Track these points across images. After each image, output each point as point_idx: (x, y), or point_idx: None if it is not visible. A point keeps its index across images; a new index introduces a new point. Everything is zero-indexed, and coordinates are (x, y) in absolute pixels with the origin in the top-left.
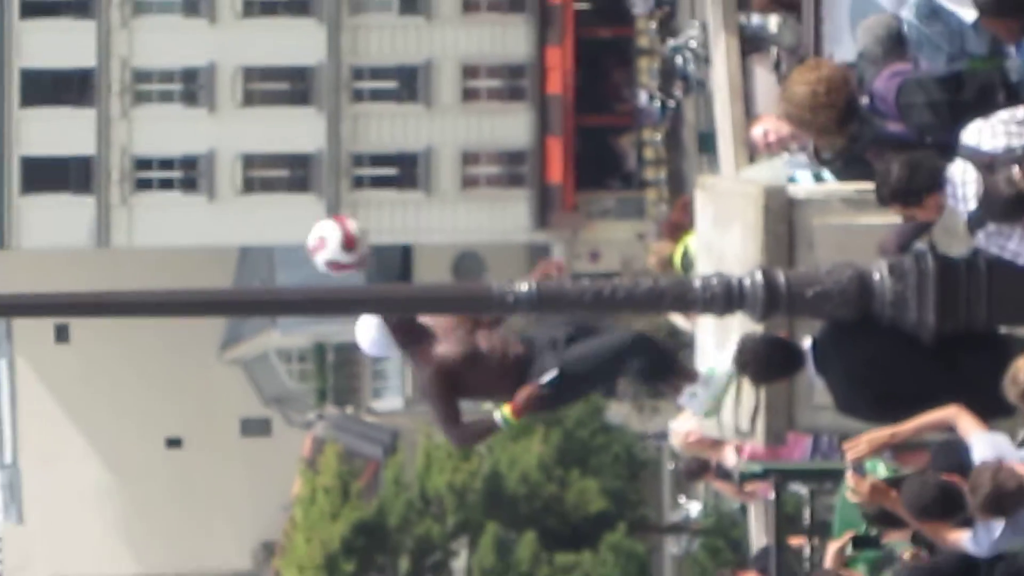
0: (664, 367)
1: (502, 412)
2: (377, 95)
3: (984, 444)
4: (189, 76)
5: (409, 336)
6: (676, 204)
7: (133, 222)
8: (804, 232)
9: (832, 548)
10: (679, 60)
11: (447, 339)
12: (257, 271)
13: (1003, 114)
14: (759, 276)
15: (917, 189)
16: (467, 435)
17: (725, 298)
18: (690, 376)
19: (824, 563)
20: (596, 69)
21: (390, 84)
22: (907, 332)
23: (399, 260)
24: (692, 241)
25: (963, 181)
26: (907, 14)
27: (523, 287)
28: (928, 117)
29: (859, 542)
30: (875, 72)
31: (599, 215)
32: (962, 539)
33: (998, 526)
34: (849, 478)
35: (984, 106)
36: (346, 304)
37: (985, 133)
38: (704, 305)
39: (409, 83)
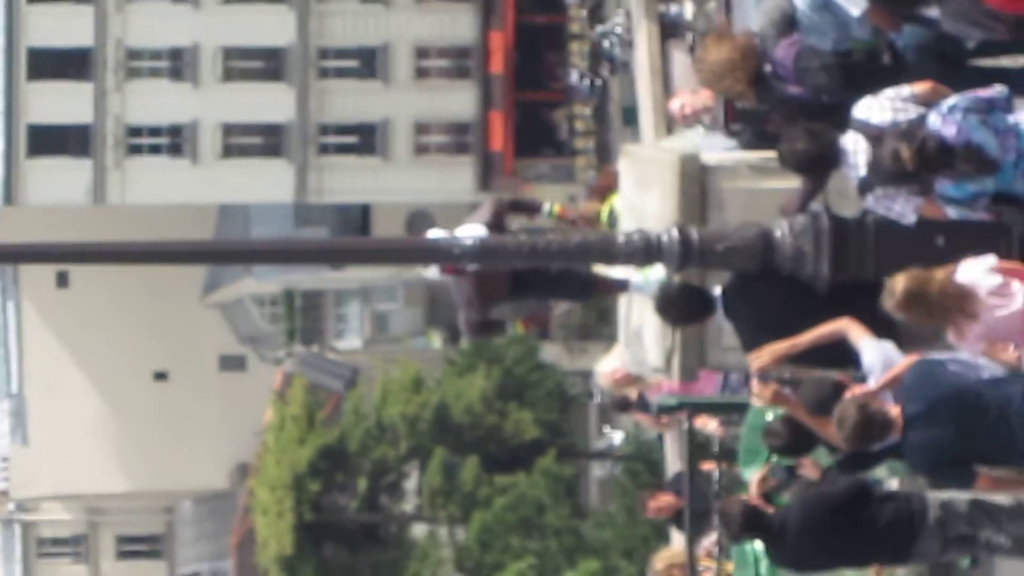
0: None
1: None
2: (340, 72)
3: (872, 349)
4: (175, 54)
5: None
6: (602, 171)
7: (126, 182)
8: (715, 194)
9: (755, 478)
10: (606, 44)
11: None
12: (234, 227)
13: (889, 92)
14: (675, 232)
15: (821, 160)
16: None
17: (645, 251)
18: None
19: (750, 492)
20: (533, 51)
21: (352, 63)
22: (804, 282)
23: (359, 217)
24: (617, 201)
25: (855, 150)
26: (799, 2)
27: (467, 241)
28: (823, 79)
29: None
30: (774, 43)
31: (535, 179)
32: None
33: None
34: (754, 385)
35: (871, 68)
36: (311, 254)
37: (874, 108)
38: (626, 258)
39: (369, 62)
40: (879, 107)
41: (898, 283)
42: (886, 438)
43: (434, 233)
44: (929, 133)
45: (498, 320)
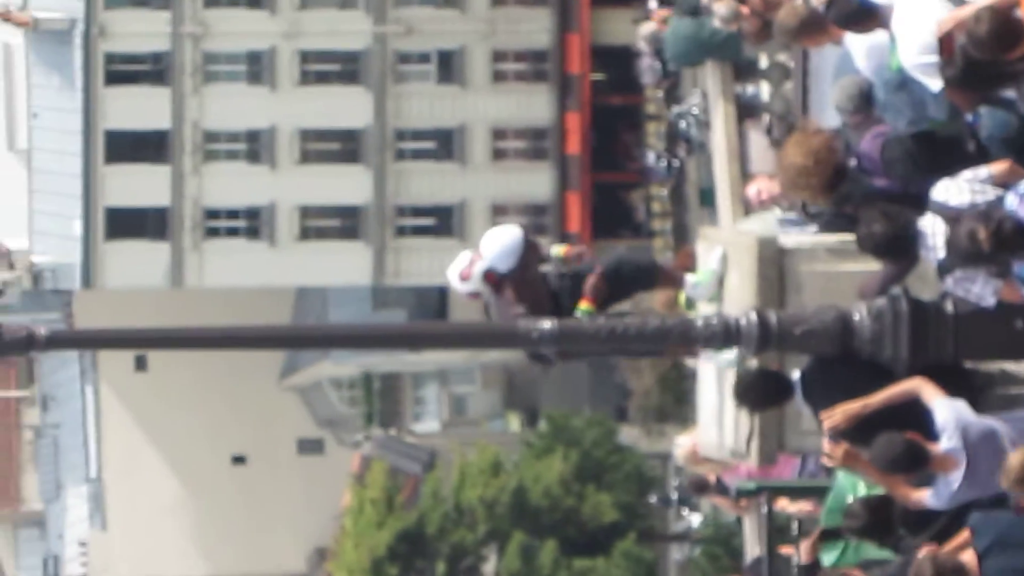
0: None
1: (580, 308)
2: (417, 154)
3: (945, 408)
4: (252, 137)
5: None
6: (680, 252)
7: (203, 265)
8: (793, 277)
9: (805, 543)
10: (682, 124)
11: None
12: (312, 309)
13: (967, 173)
14: (753, 316)
15: (898, 243)
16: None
17: (724, 335)
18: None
19: (800, 557)
20: (609, 132)
21: (429, 144)
22: (883, 366)
23: (436, 299)
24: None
25: (933, 232)
26: (877, 80)
27: (545, 325)
28: (909, 169)
29: (827, 535)
30: (858, 136)
31: None
32: (924, 496)
33: (956, 479)
34: (825, 444)
35: (955, 156)
36: (388, 339)
37: (952, 191)
38: (705, 341)
39: (446, 144)
40: (957, 189)
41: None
42: None
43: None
44: (1006, 214)
45: (546, 355)
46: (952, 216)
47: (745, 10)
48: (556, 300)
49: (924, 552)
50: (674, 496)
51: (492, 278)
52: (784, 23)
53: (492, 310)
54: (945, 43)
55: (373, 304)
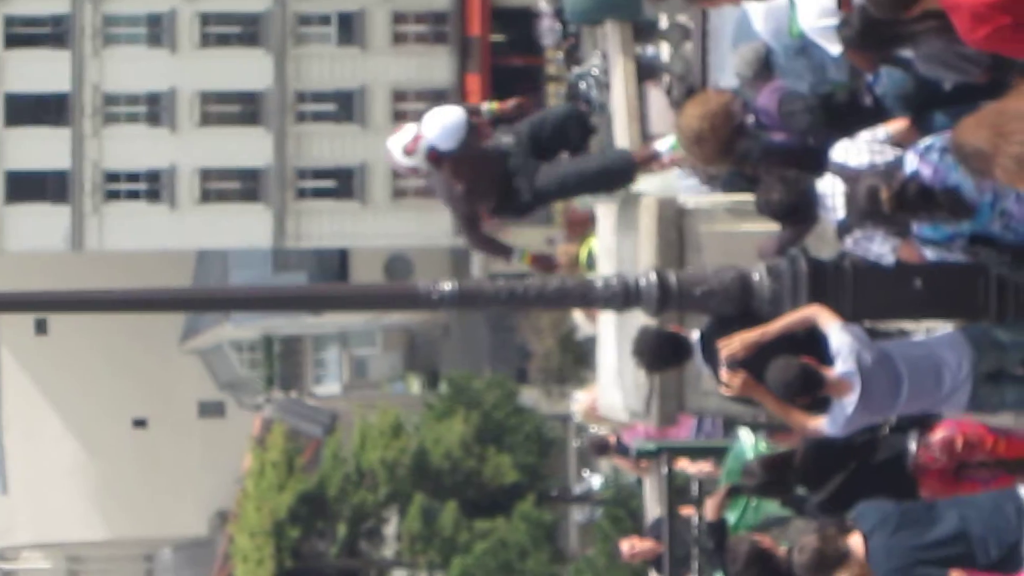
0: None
1: (521, 255)
2: (318, 116)
3: (840, 333)
4: (152, 99)
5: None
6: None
7: (103, 228)
8: (693, 238)
9: (711, 500)
10: (583, 86)
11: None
12: (212, 272)
13: (865, 134)
14: (653, 276)
15: (796, 209)
16: (482, 243)
17: (623, 296)
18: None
19: (707, 514)
20: (509, 93)
21: (329, 107)
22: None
23: (337, 262)
24: (595, 244)
25: (833, 194)
26: (775, 44)
27: (446, 286)
28: (807, 121)
29: (734, 492)
30: (755, 93)
31: (513, 222)
32: (820, 423)
33: (851, 403)
34: (723, 373)
35: (852, 111)
36: (289, 301)
37: (851, 151)
38: (605, 302)
39: (346, 106)
40: (856, 150)
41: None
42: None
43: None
44: (908, 177)
45: (503, 243)
46: (852, 177)
47: None
48: (509, 180)
49: (808, 538)
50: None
51: (434, 156)
52: None
53: (436, 188)
54: (843, 2)
55: (274, 267)
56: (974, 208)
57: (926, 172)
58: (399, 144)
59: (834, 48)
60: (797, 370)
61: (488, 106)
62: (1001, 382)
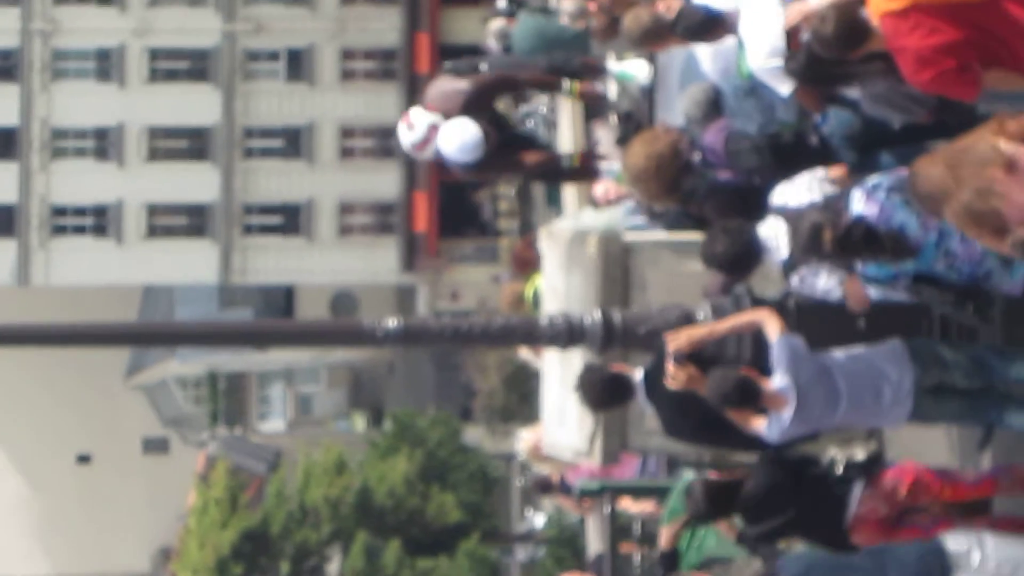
0: None
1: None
2: (266, 152)
3: (781, 346)
4: (101, 134)
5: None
6: (522, 240)
7: (50, 263)
8: (638, 276)
9: (666, 530)
10: (530, 124)
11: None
12: (158, 307)
13: (804, 176)
14: (598, 314)
15: (741, 260)
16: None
17: (567, 334)
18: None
19: (660, 543)
20: None
21: (277, 143)
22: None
23: (283, 298)
24: (540, 282)
25: (776, 235)
26: (724, 85)
27: (391, 323)
28: (754, 160)
29: (689, 522)
30: (702, 131)
31: (459, 260)
32: (759, 425)
33: (787, 417)
34: (669, 367)
35: (799, 151)
36: (235, 336)
37: (790, 193)
38: (549, 340)
39: (294, 142)
40: (795, 191)
41: None
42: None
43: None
44: (854, 220)
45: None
46: (793, 217)
47: (592, 7)
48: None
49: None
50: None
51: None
52: (628, 30)
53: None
54: (792, 38)
55: (220, 302)
56: (918, 249)
57: (872, 211)
58: (408, 138)
59: (783, 89)
60: (734, 383)
61: (568, 86)
62: (942, 396)
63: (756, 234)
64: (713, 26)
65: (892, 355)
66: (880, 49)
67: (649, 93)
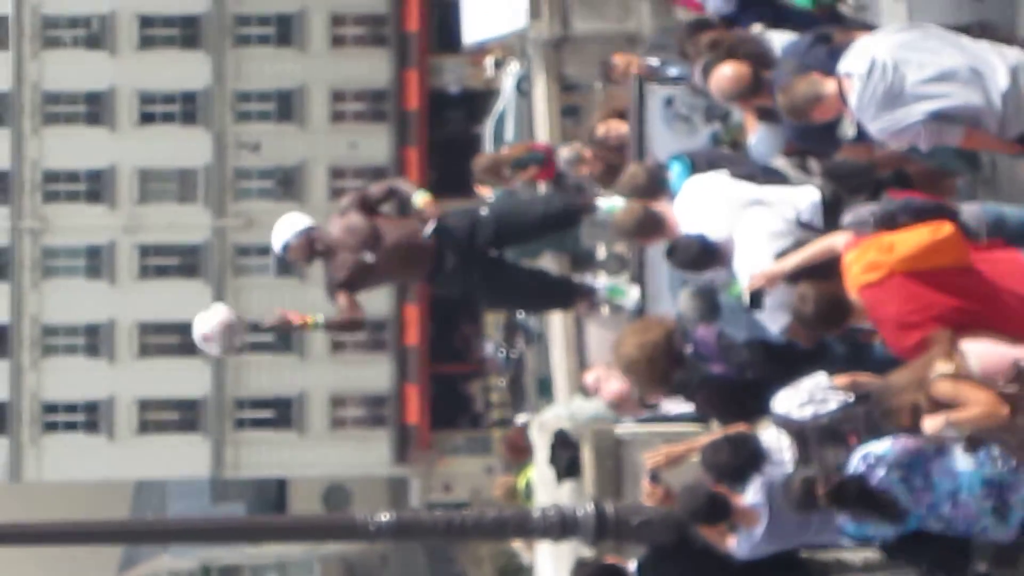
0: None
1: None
2: (256, 346)
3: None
4: (91, 331)
5: (313, 254)
6: (513, 428)
7: (42, 459)
8: (630, 467)
9: None
10: (521, 315)
11: (345, 254)
12: (150, 502)
13: (807, 383)
14: (591, 507)
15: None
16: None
17: (560, 526)
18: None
19: None
20: (448, 323)
21: (267, 339)
22: (717, 554)
23: (276, 491)
24: (533, 473)
25: (779, 447)
26: (718, 284)
27: (383, 517)
28: (745, 355)
29: None
30: (696, 323)
31: (451, 451)
32: (731, 543)
33: (758, 533)
34: (644, 484)
35: (792, 348)
36: (227, 533)
37: (793, 402)
38: (542, 532)
39: (284, 338)
40: (798, 400)
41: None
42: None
43: None
44: (849, 477)
45: (359, 320)
46: (795, 429)
47: (588, 154)
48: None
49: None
50: None
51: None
52: (621, 225)
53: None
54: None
55: (212, 496)
56: (905, 516)
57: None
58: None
59: (775, 326)
60: (704, 499)
61: (418, 196)
62: None
63: (759, 444)
64: (708, 259)
65: None
66: (863, 324)
67: (640, 285)
